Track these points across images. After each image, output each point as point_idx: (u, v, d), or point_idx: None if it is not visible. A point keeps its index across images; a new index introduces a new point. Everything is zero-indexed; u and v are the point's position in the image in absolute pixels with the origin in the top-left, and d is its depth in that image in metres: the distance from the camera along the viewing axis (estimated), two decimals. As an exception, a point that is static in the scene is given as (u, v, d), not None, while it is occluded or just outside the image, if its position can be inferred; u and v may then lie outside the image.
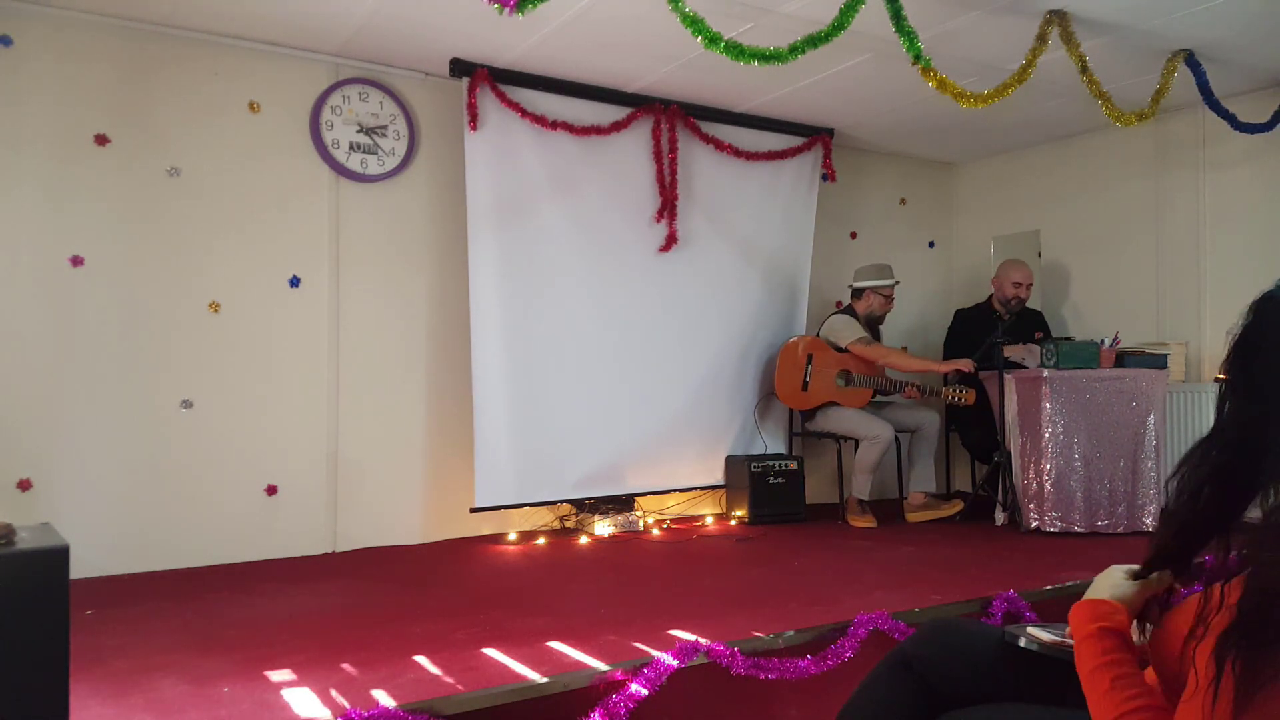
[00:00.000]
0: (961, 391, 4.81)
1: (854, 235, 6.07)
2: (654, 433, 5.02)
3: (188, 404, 4.04)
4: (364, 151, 4.40)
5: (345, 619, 3.07)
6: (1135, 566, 1.48)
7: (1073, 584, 3.37)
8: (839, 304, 5.84)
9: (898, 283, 5.28)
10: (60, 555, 1.67)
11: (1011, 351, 4.91)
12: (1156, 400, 4.49)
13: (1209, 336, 5.06)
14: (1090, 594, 1.47)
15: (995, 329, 4.99)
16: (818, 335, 5.31)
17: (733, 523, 5.05)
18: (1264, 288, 1.28)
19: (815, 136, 5.50)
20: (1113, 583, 1.46)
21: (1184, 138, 5.21)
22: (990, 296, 5.55)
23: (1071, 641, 1.61)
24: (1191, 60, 4.28)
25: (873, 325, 5.30)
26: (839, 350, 5.15)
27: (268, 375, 4.21)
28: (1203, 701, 1.10)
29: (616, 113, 4.83)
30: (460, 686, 2.30)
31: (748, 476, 5.01)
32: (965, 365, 4.89)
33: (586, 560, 4.14)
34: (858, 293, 5.29)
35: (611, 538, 4.62)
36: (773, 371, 5.29)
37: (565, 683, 2.35)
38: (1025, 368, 4.75)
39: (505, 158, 4.54)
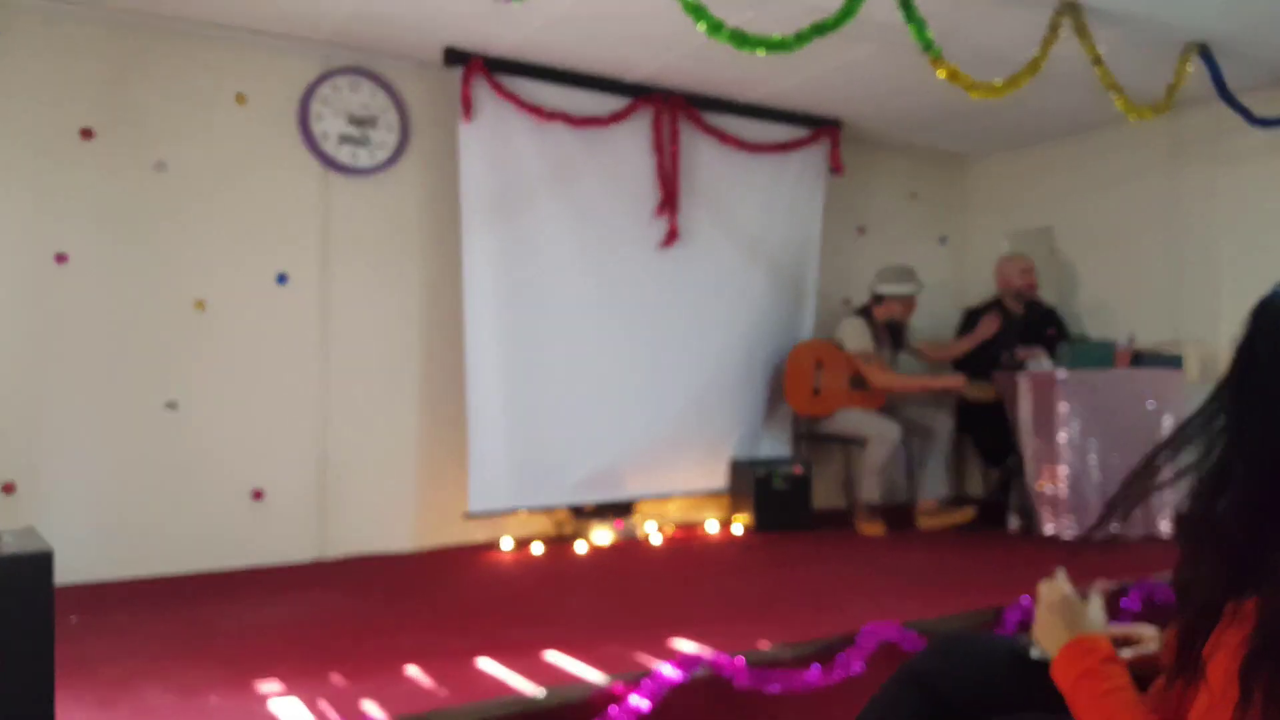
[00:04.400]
0: (981, 387, 4.81)
1: (862, 230, 6.01)
2: (655, 435, 4.95)
3: (173, 405, 3.99)
4: (354, 144, 4.35)
5: (334, 628, 3.05)
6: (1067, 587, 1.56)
7: (1088, 591, 3.30)
8: (845, 301, 5.76)
9: (922, 287, 5.18)
10: (44, 560, 1.67)
11: (1022, 355, 4.87)
12: (1173, 402, 4.45)
13: (1226, 336, 4.97)
14: (1054, 631, 1.50)
15: (1008, 326, 4.93)
16: (832, 338, 5.25)
17: (737, 529, 4.98)
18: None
19: (822, 128, 5.44)
20: (1074, 610, 1.51)
21: (1199, 132, 5.15)
22: (999, 295, 5.49)
23: None
24: (1206, 54, 4.26)
25: (894, 331, 5.22)
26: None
27: (254, 376, 4.17)
28: None
29: (616, 103, 4.78)
30: (454, 699, 2.30)
31: (752, 481, 4.93)
32: (955, 383, 4.90)
33: (585, 568, 4.13)
34: (878, 298, 5.19)
35: (610, 545, 4.57)
36: (780, 373, 5.22)
37: (563, 696, 2.35)
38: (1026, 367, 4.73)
39: (500, 150, 4.50)
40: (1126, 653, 1.59)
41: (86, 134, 3.83)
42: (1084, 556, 4.00)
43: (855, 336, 5.08)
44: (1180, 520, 1.30)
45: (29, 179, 3.74)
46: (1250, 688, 1.08)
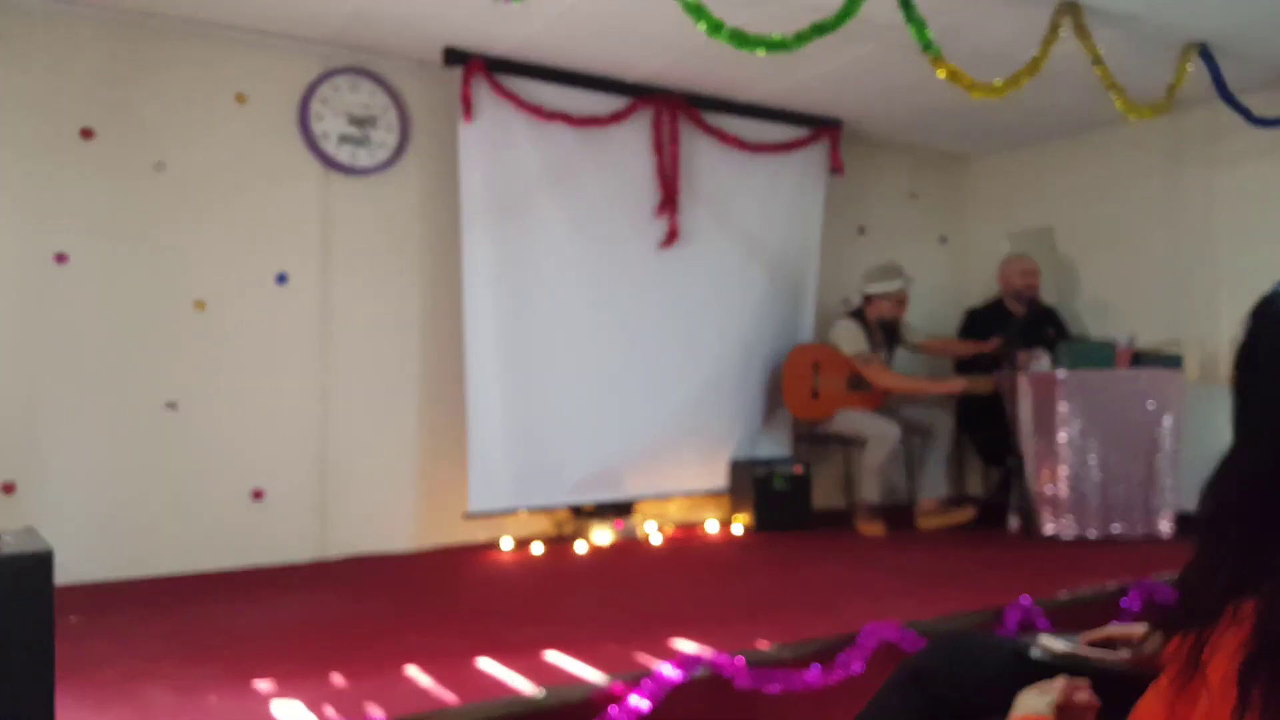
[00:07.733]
0: (980, 380, 4.84)
1: (862, 230, 6.00)
2: (654, 435, 4.94)
3: (173, 405, 3.99)
4: (354, 143, 4.35)
5: (335, 628, 3.05)
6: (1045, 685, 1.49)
7: (1088, 591, 3.33)
8: (844, 301, 5.75)
9: (910, 280, 5.16)
10: (44, 560, 1.62)
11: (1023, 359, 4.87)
12: (1173, 401, 4.44)
13: (1226, 336, 4.98)
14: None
15: (1009, 327, 4.93)
16: (826, 341, 5.24)
17: (736, 529, 4.97)
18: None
19: (822, 128, 5.43)
20: (1029, 705, 1.45)
21: (1199, 132, 5.15)
22: (1001, 295, 5.50)
23: (1084, 651, 1.63)
24: (1205, 53, 4.26)
25: (887, 329, 5.20)
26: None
27: (254, 376, 4.16)
28: None
29: (616, 103, 4.77)
30: (454, 699, 2.29)
31: (752, 481, 4.92)
32: (956, 386, 4.90)
33: (584, 568, 4.12)
34: (867, 299, 5.18)
35: (610, 544, 4.56)
36: (779, 376, 5.20)
37: (563, 696, 2.33)
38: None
39: (500, 150, 4.50)
40: (1125, 653, 1.60)
41: (86, 134, 3.83)
42: (1084, 556, 4.00)
43: (850, 340, 5.06)
44: (1190, 520, 1.30)
45: (29, 179, 3.73)
46: (1249, 690, 1.07)
